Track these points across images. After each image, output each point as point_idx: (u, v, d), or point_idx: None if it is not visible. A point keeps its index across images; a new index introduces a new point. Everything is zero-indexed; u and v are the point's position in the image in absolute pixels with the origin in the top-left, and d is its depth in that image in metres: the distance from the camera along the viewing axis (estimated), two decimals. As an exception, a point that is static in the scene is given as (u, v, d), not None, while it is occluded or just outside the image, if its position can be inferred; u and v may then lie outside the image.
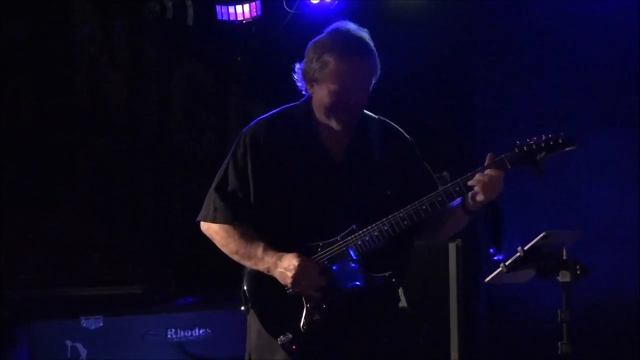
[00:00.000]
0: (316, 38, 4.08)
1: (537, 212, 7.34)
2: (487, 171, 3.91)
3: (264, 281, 4.03)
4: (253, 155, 4.08)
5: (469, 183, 3.93)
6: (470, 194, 3.95)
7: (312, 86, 4.06)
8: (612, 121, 7.20)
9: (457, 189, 3.95)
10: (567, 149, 3.94)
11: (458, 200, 4.01)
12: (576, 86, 7.30)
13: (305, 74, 4.06)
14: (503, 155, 3.94)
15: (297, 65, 4.10)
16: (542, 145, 3.93)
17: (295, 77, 4.12)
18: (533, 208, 7.37)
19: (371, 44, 4.04)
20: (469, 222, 4.14)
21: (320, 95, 4.04)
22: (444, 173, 5.79)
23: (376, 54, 4.05)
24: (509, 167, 3.93)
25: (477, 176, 3.91)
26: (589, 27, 7.21)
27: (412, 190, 4.03)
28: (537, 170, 3.96)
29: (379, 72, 4.05)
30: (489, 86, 7.74)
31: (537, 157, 3.93)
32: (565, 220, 7.15)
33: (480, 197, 3.93)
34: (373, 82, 4.06)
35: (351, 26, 4.06)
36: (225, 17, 7.71)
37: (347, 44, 3.98)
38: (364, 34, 4.05)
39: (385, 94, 4.12)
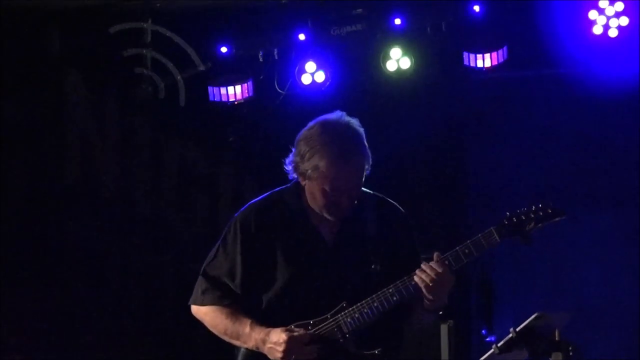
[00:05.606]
0: (305, 131, 4.04)
1: (528, 292, 7.33)
2: (431, 267, 3.91)
3: (257, 361, 4.01)
4: (243, 240, 4.10)
5: (413, 282, 3.92)
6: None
7: (304, 179, 4.05)
8: (603, 202, 7.24)
9: (447, 262, 3.92)
10: (556, 219, 3.98)
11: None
12: (568, 166, 7.35)
13: (296, 167, 4.05)
14: (447, 254, 3.94)
15: (287, 160, 4.08)
16: (532, 215, 3.96)
17: (285, 167, 4.10)
18: (524, 287, 7.36)
19: (359, 135, 4.01)
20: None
21: (313, 192, 4.04)
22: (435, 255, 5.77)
23: (365, 144, 4.01)
24: (454, 266, 3.93)
25: (420, 274, 3.91)
26: (581, 107, 7.29)
27: (399, 266, 4.02)
28: (526, 240, 3.97)
29: (370, 158, 4.04)
30: (482, 165, 7.77)
31: (527, 228, 3.95)
32: (557, 299, 7.14)
33: (429, 297, 3.94)
34: (366, 172, 4.04)
35: (339, 122, 4.02)
36: (217, 98, 7.74)
37: (337, 148, 3.94)
38: (351, 127, 4.02)
39: (377, 174, 4.12)
